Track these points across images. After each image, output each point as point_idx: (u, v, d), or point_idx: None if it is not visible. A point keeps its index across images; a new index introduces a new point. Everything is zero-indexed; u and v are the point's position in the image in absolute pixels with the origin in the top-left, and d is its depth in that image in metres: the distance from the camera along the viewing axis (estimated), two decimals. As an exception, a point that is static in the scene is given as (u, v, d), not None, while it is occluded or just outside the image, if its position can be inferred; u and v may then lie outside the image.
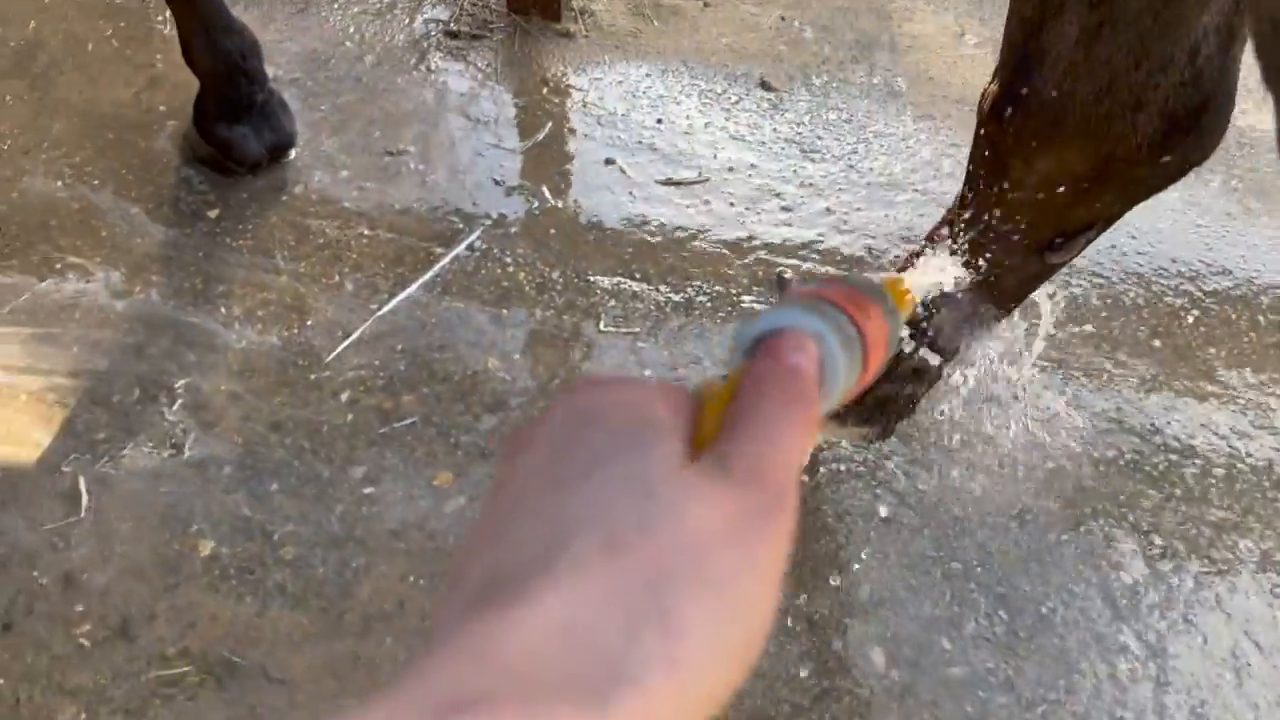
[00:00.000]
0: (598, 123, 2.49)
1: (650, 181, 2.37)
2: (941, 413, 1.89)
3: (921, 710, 1.62)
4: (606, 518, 0.32)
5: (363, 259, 2.14)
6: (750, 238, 2.25)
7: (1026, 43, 1.12)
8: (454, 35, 2.68)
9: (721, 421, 0.38)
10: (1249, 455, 1.93)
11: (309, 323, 2.02)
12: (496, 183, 2.33)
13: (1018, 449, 1.91)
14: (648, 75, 2.63)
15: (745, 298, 2.13)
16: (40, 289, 2.02)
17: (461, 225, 2.23)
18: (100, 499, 1.77)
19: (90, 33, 2.60)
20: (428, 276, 2.12)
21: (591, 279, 2.15)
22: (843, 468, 1.87)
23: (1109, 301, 2.17)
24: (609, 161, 2.40)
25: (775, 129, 2.52)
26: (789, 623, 1.68)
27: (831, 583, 1.74)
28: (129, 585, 1.68)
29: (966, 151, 2.50)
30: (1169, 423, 1.98)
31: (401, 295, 2.08)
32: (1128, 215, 1.38)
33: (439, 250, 2.18)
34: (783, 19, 2.84)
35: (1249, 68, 0.95)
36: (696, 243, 2.24)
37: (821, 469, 1.85)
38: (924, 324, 1.41)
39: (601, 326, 2.07)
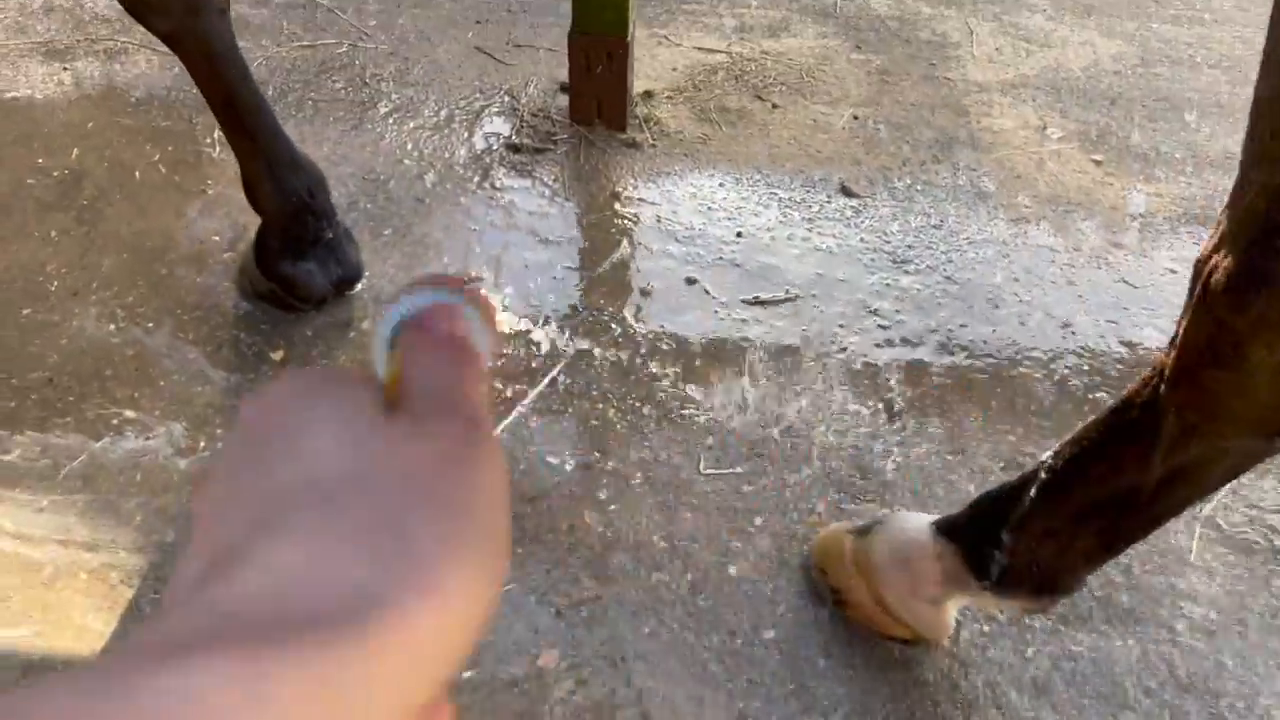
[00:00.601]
0: (674, 239, 2.36)
1: (736, 301, 2.22)
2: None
3: None
4: (322, 475, 0.33)
5: (440, 400, 1.99)
6: (851, 359, 2.10)
7: (1272, 213, 0.97)
8: (516, 149, 2.56)
9: (400, 392, 0.39)
10: None
11: (388, 476, 1.86)
12: (575, 309, 2.19)
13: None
14: (721, 185, 2.50)
15: (859, 429, 1.97)
16: (97, 449, 1.87)
17: (542, 358, 2.08)
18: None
19: (137, 159, 2.48)
20: (510, 419, 1.97)
21: (687, 413, 2.00)
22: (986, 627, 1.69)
23: None
24: (690, 281, 2.26)
25: (862, 238, 2.38)
26: (947, 815, 1.49)
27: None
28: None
29: (1067, 256, 2.37)
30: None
31: (485, 440, 1.92)
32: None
33: (520, 388, 2.03)
34: (855, 118, 2.72)
35: None
36: (797, 372, 2.08)
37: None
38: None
39: (702, 468, 1.91)
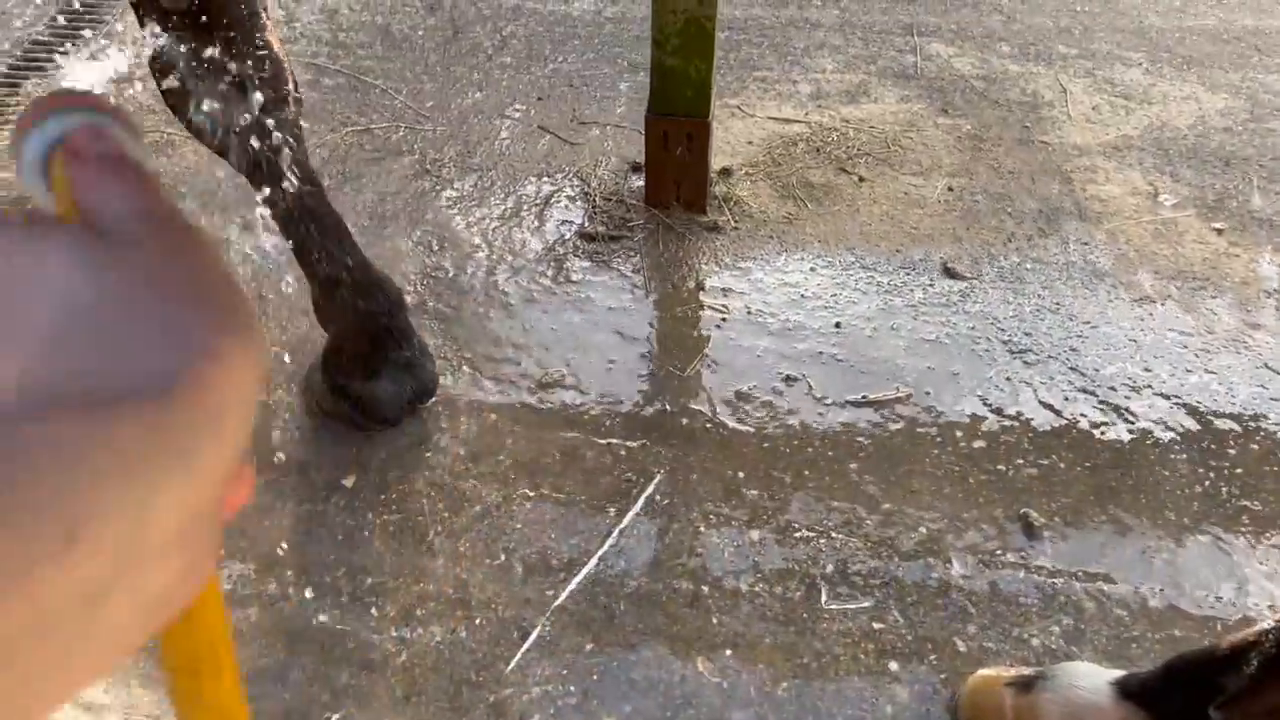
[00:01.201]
0: (767, 332, 2.17)
1: (843, 401, 2.03)
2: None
3: None
4: (76, 297, 0.34)
5: (529, 530, 1.81)
6: (976, 466, 1.90)
7: None
8: (591, 238, 2.39)
9: (84, 218, 0.37)
10: None
11: (477, 620, 1.68)
12: (665, 412, 2.01)
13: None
14: (813, 269, 2.32)
15: (1007, 555, 1.76)
16: (158, 597, 1.70)
17: (633, 475, 1.90)
18: None
19: (190, 261, 2.33)
20: (606, 548, 1.78)
21: (799, 534, 1.80)
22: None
23: None
24: (790, 379, 2.07)
25: (972, 326, 2.18)
26: None
27: None
28: None
29: (1200, 341, 2.16)
30: None
31: (580, 575, 1.74)
32: None
33: (613, 510, 1.84)
34: (950, 189, 2.53)
35: None
36: (915, 479, 1.88)
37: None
38: None
39: (825, 601, 1.71)
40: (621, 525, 1.82)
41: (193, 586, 0.35)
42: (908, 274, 2.31)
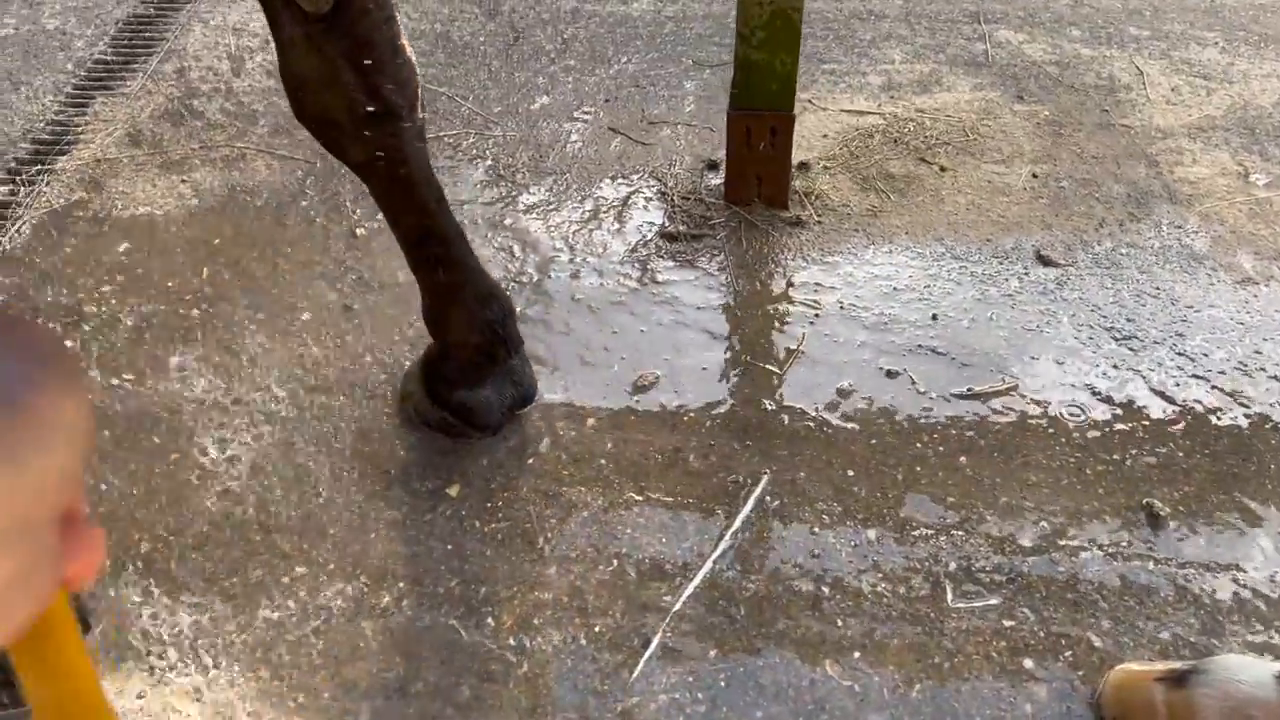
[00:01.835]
0: (863, 326, 2.13)
1: (947, 394, 1.98)
2: None
3: None
4: None
5: (639, 534, 1.77)
6: (1092, 457, 1.85)
7: None
8: (673, 237, 2.35)
9: None
10: None
11: (596, 628, 1.64)
12: (766, 412, 1.97)
13: None
14: (904, 262, 2.27)
15: (1134, 546, 1.71)
16: (265, 617, 1.67)
17: (740, 476, 1.86)
18: None
19: (271, 274, 2.31)
20: (719, 551, 1.74)
21: (917, 532, 1.76)
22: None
23: None
24: (890, 374, 2.03)
25: (1073, 314, 2.13)
26: None
27: None
28: None
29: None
30: None
31: (696, 580, 1.70)
32: None
33: (722, 513, 1.80)
34: (1034, 176, 2.48)
35: None
36: (1031, 472, 1.84)
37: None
38: None
39: (951, 599, 1.66)
40: (733, 527, 1.78)
41: (23, 599, 0.39)
42: (1001, 263, 2.26)
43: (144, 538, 1.78)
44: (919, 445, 1.89)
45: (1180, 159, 2.52)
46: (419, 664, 1.60)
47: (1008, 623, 1.63)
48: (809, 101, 2.77)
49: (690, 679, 1.58)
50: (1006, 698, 1.54)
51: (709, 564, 1.72)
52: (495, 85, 2.90)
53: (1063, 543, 1.73)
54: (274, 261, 2.35)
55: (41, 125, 2.77)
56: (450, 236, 1.67)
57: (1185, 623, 1.62)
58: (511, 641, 1.63)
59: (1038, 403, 1.96)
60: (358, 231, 2.40)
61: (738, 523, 1.78)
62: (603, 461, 1.89)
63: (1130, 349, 2.05)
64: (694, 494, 1.83)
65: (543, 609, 1.67)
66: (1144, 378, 2.00)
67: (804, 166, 2.53)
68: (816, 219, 2.39)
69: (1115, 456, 1.86)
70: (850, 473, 1.86)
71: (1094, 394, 1.97)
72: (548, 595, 1.69)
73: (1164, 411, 1.93)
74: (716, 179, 2.51)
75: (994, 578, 1.68)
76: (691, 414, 1.97)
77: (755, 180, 2.36)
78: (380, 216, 1.78)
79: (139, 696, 1.57)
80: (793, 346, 2.09)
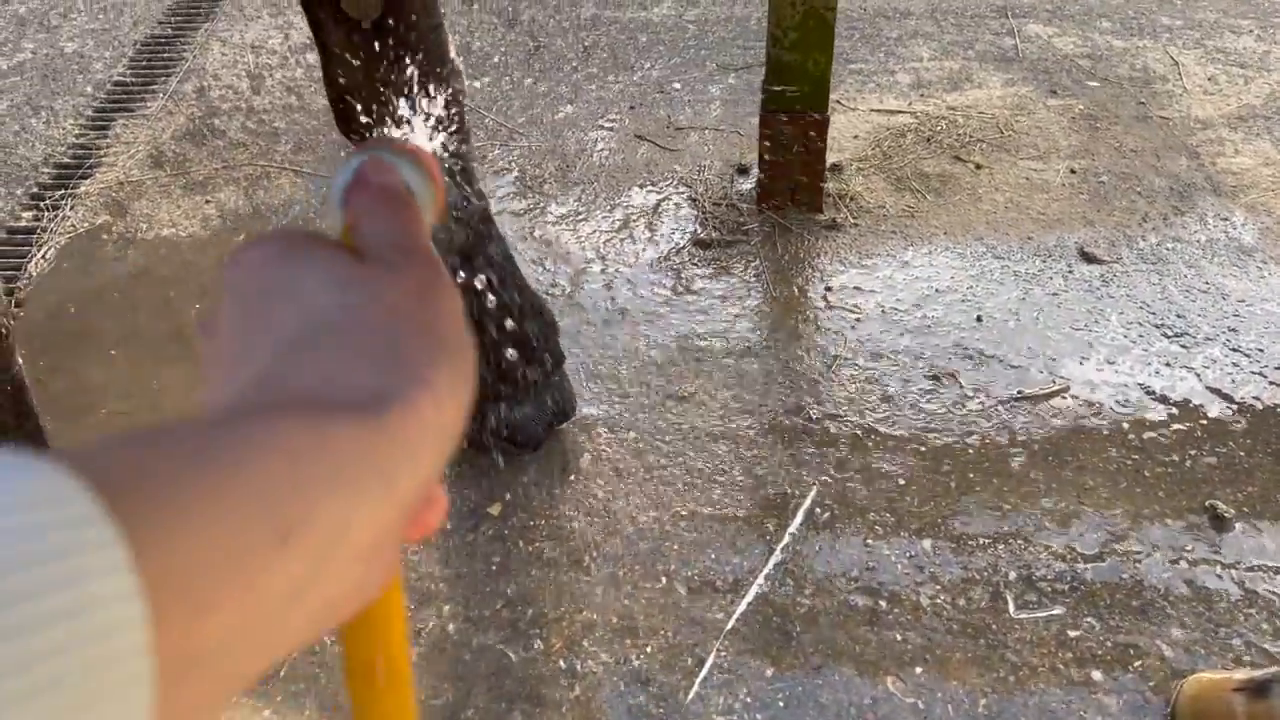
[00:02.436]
0: (905, 330, 2.08)
1: (997, 398, 1.93)
2: None
3: None
4: (320, 312, 0.37)
5: (686, 550, 1.72)
6: (1151, 458, 1.79)
7: None
8: (706, 245, 2.31)
9: (354, 241, 0.42)
10: None
11: (647, 648, 1.60)
12: (811, 420, 1.92)
13: None
14: (944, 263, 2.22)
15: (1199, 550, 1.66)
16: (308, 647, 1.63)
17: (788, 487, 1.81)
18: None
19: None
20: (770, 566, 1.70)
21: (973, 541, 1.71)
22: None
23: None
24: (937, 378, 1.98)
25: (1120, 312, 2.08)
26: None
27: None
28: None
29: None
30: None
31: (748, 596, 1.65)
32: None
33: (772, 525, 1.75)
34: (1073, 171, 2.43)
35: None
36: (1087, 476, 1.78)
37: None
38: None
39: (1013, 610, 1.61)
40: (783, 541, 1.73)
41: (364, 597, 0.36)
42: (1043, 261, 2.21)
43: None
44: (970, 451, 1.84)
45: (1222, 150, 2.46)
46: (469, 689, 1.56)
47: (1073, 633, 1.58)
48: (838, 102, 2.72)
49: (748, 699, 1.53)
50: (1076, 711, 1.49)
51: (761, 579, 1.68)
52: (518, 95, 2.86)
53: (1124, 548, 1.68)
54: (302, 280, 2.31)
55: (63, 150, 2.75)
56: (497, 251, 1.63)
57: (1258, 628, 1.57)
58: (562, 664, 1.59)
59: (1090, 404, 1.91)
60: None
61: (788, 536, 1.74)
62: (645, 475, 1.84)
63: (1182, 346, 2.00)
64: (741, 507, 1.79)
65: (592, 630, 1.63)
66: (1198, 375, 1.94)
67: (836, 168, 2.48)
68: (852, 221, 2.35)
69: (1174, 457, 1.81)
70: (901, 481, 1.81)
71: (1148, 393, 1.92)
72: (596, 616, 1.64)
73: (1222, 410, 1.88)
74: (747, 184, 2.46)
75: (1056, 586, 1.63)
76: (734, 424, 1.92)
77: (788, 184, 2.32)
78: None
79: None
80: (835, 353, 2.04)
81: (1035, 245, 2.25)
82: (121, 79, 3.03)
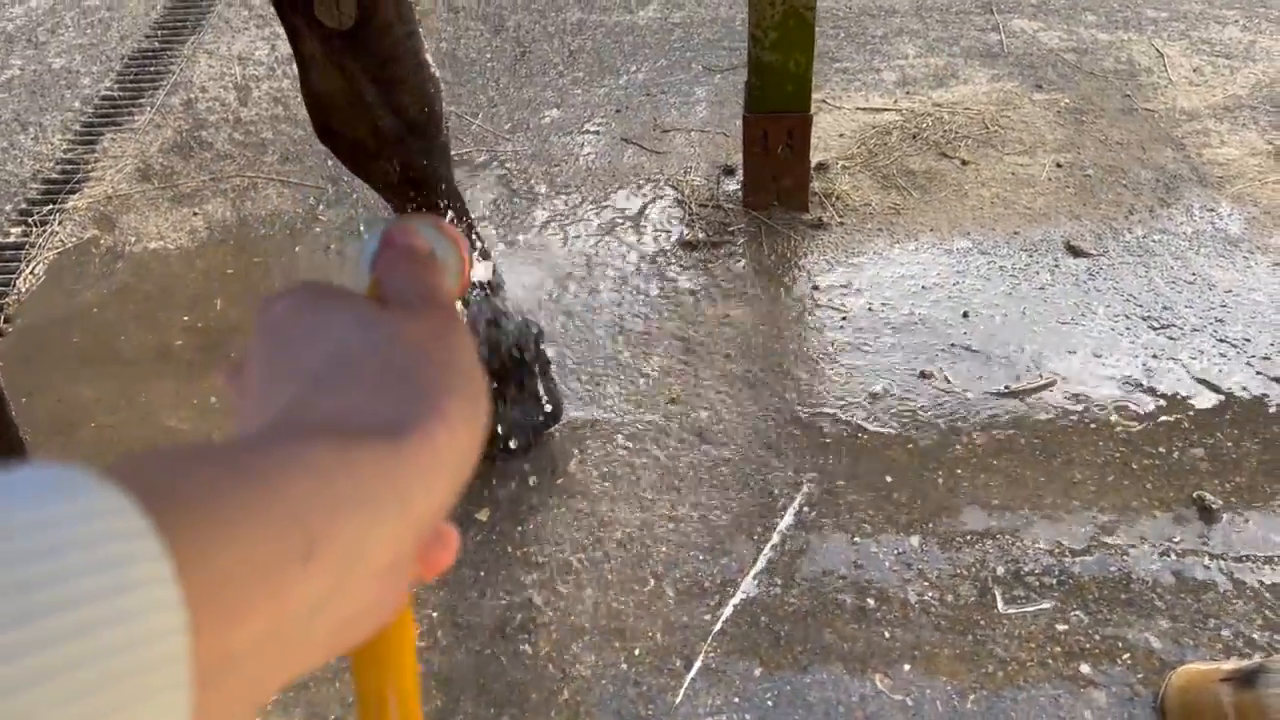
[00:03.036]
0: (892, 328, 2.08)
1: (984, 393, 1.93)
2: None
3: None
4: (346, 351, 0.41)
5: (675, 551, 1.72)
6: (1139, 449, 1.79)
7: None
8: (692, 246, 2.31)
9: (379, 294, 0.47)
10: None
11: (636, 650, 1.59)
12: (799, 420, 1.92)
13: None
14: (931, 260, 2.22)
15: (1186, 542, 1.66)
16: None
17: (776, 488, 1.81)
18: None
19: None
20: (759, 566, 1.69)
21: (961, 537, 1.70)
22: None
23: None
24: (924, 375, 1.98)
25: (1107, 305, 2.08)
26: None
27: None
28: None
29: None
30: None
31: (736, 597, 1.65)
32: None
33: (760, 526, 1.75)
34: (1059, 165, 2.43)
35: None
36: (1075, 470, 1.78)
37: None
38: None
39: (1001, 605, 1.61)
40: (772, 541, 1.73)
41: (379, 618, 0.38)
42: (1030, 256, 2.21)
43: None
44: (958, 448, 1.84)
45: (1208, 141, 2.46)
46: (458, 695, 1.56)
47: (1061, 627, 1.57)
48: (823, 101, 2.72)
49: (736, 699, 1.53)
50: (1065, 705, 1.48)
51: (749, 579, 1.68)
52: (504, 101, 2.87)
53: (1113, 541, 1.68)
54: (290, 290, 2.31)
55: (51, 165, 2.75)
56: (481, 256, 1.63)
57: (1247, 618, 1.56)
58: (550, 668, 1.59)
59: (1078, 398, 1.91)
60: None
61: (776, 536, 1.74)
62: (634, 478, 1.84)
63: (1169, 338, 2.00)
64: (729, 508, 1.79)
65: (580, 633, 1.62)
66: (1186, 367, 1.94)
67: (822, 167, 2.49)
68: (838, 220, 2.35)
69: (1161, 449, 1.80)
70: (889, 479, 1.81)
71: (1135, 386, 1.92)
72: (585, 621, 1.64)
73: (1209, 401, 1.88)
74: (733, 184, 2.46)
75: (1044, 581, 1.63)
76: (722, 426, 1.92)
77: (773, 184, 2.32)
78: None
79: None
80: (822, 352, 2.04)
81: (1022, 240, 2.25)
82: (109, 93, 3.04)
